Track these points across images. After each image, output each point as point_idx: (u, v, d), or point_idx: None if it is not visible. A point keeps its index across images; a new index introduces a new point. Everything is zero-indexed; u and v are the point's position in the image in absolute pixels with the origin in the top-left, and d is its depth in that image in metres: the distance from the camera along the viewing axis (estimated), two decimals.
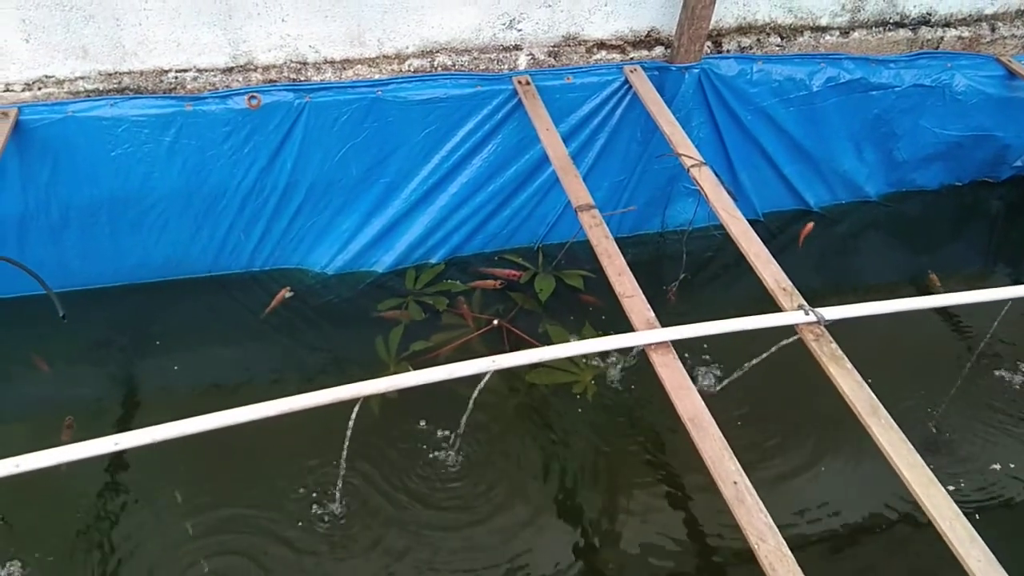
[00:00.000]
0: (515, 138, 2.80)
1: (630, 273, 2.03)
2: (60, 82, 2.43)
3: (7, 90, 2.40)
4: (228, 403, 1.71)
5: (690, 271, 2.95)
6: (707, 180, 2.32)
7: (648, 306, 1.94)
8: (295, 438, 2.35)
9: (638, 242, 3.26)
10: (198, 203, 2.68)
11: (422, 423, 2.46)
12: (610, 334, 1.95)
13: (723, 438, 1.64)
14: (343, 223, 2.89)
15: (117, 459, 2.33)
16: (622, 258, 2.07)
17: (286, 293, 2.87)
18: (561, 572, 2.12)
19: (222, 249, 2.84)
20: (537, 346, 2.68)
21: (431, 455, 2.38)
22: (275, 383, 2.67)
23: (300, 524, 2.19)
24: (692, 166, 2.36)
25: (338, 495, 2.21)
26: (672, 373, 1.75)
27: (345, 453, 1.96)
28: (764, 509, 1.51)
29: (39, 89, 2.42)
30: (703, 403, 1.70)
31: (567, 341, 2.70)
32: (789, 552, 1.45)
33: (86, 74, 2.43)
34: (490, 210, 2.96)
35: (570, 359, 2.65)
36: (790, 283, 2.04)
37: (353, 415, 1.85)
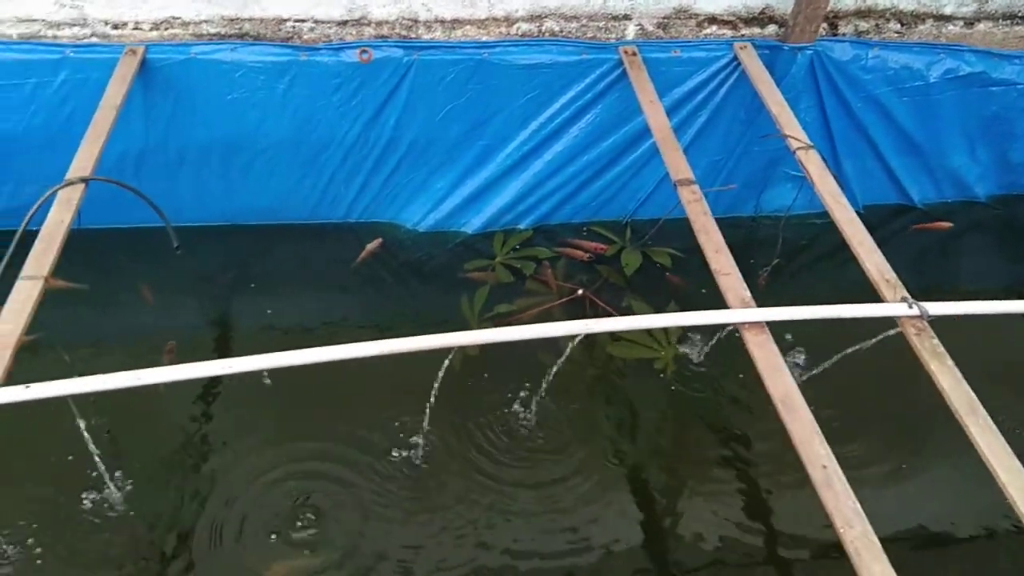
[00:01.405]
0: (615, 109, 2.79)
1: (727, 251, 2.01)
2: (185, 24, 2.54)
3: (136, 28, 2.53)
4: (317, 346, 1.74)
5: (783, 258, 2.89)
6: (814, 164, 2.26)
7: (744, 285, 1.92)
8: (377, 386, 2.42)
9: (730, 224, 3.17)
10: (305, 152, 2.77)
11: (500, 382, 2.50)
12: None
13: (813, 420, 1.62)
14: (438, 182, 2.94)
15: (211, 388, 2.45)
16: (720, 235, 2.06)
17: (377, 244, 2.95)
18: (622, 544, 2.13)
19: (322, 198, 2.93)
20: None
21: (507, 414, 2.42)
22: (361, 330, 2.76)
23: (379, 466, 2.27)
24: (799, 149, 2.31)
25: (421, 441, 2.27)
26: (766, 353, 1.73)
27: (432, 401, 2.02)
28: (852, 495, 1.50)
29: (165, 30, 2.54)
30: (794, 384, 1.69)
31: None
32: (876, 540, 1.43)
33: (210, 18, 2.53)
34: (582, 180, 2.97)
35: (652, 335, 2.65)
36: (894, 275, 1.99)
37: (445, 363, 1.91)
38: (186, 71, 2.53)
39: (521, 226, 3.05)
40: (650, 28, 2.73)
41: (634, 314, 2.74)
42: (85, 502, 2.12)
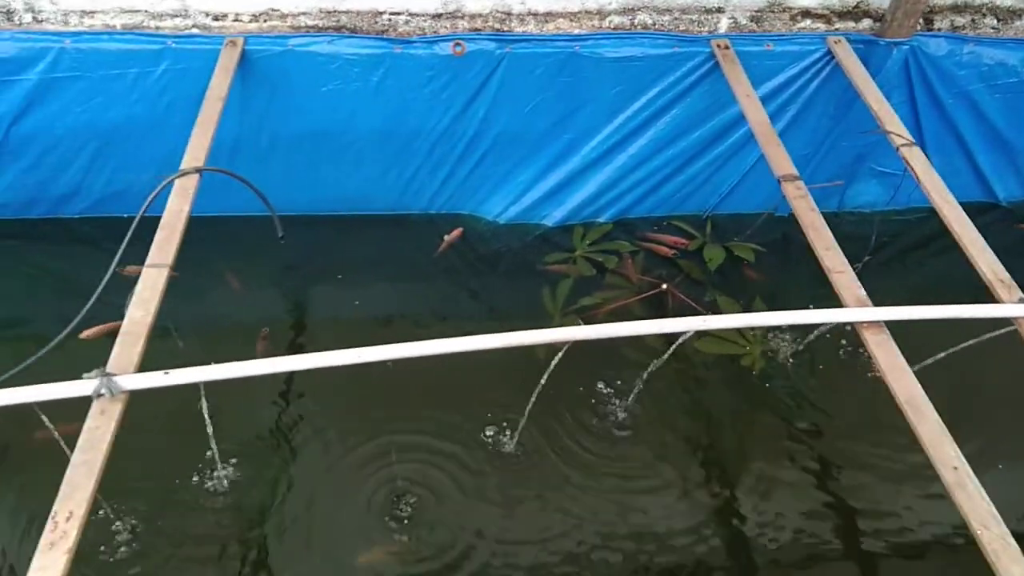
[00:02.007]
0: (703, 103, 2.78)
1: (838, 248, 2.00)
2: (284, 16, 2.57)
3: (236, 19, 2.56)
4: (402, 336, 1.76)
5: (872, 254, 2.86)
6: (918, 161, 2.24)
7: (859, 283, 1.91)
8: (472, 375, 2.45)
9: None
10: (393, 143, 2.79)
11: (586, 375, 2.52)
12: (781, 310, 1.93)
13: (940, 421, 1.61)
14: (521, 174, 2.95)
15: (307, 375, 2.49)
16: (829, 232, 2.04)
17: (457, 234, 2.97)
18: (709, 542, 2.15)
19: (406, 189, 2.96)
20: (705, 314, 2.70)
21: (596, 406, 2.44)
22: (444, 321, 2.79)
23: (472, 455, 2.30)
24: (902, 146, 2.28)
25: (516, 435, 2.30)
26: (887, 353, 1.72)
27: (534, 398, 2.05)
28: (986, 496, 1.49)
29: (264, 21, 2.57)
30: (919, 385, 1.68)
31: (737, 312, 2.71)
32: (1014, 542, 1.42)
33: (308, 10, 2.56)
34: (665, 174, 2.96)
35: (739, 331, 2.64)
36: (1007, 274, 1.96)
37: (556, 359, 1.93)
38: (283, 63, 2.56)
39: (601, 219, 3.05)
40: (743, 21, 2.71)
41: (719, 309, 2.75)
42: (195, 481, 2.18)
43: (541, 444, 2.34)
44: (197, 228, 2.90)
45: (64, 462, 1.96)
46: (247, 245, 2.90)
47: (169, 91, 2.58)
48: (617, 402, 2.45)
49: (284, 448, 2.31)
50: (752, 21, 2.72)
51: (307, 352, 1.70)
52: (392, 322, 2.77)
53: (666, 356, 2.02)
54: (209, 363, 1.68)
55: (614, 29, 2.68)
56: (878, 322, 1.79)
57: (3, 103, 2.55)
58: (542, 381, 2.00)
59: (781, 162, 2.24)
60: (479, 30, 2.63)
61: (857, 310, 1.80)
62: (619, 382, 2.50)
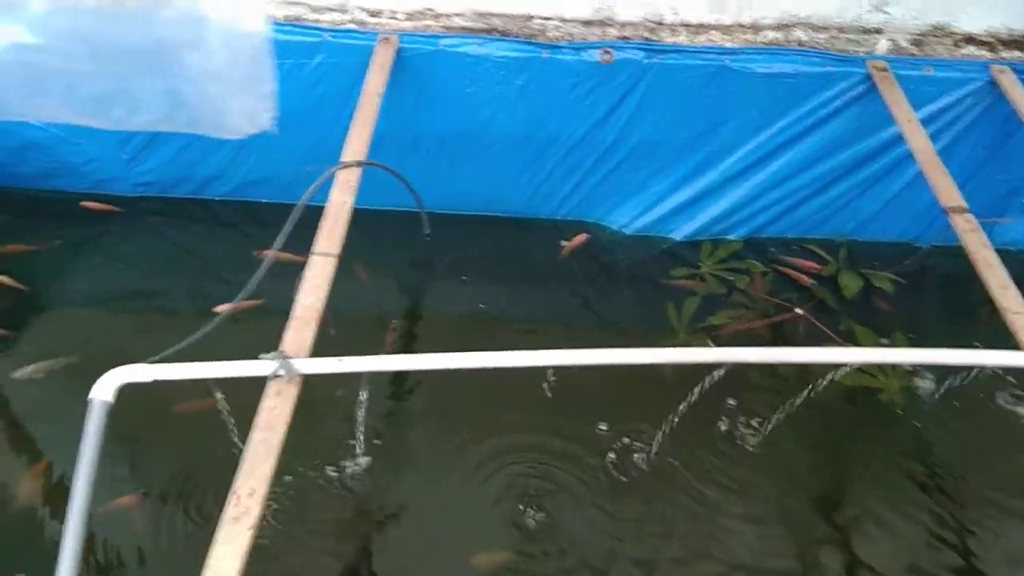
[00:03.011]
0: (852, 125, 2.70)
1: (1015, 287, 1.90)
2: (437, 16, 2.61)
3: (392, 17, 2.61)
4: (528, 343, 1.76)
5: None
6: None
7: None
8: (591, 389, 2.42)
9: (947, 253, 3.05)
10: (530, 147, 2.81)
11: (715, 396, 2.46)
12: (918, 347, 1.83)
13: None
14: (654, 186, 2.92)
15: (433, 374, 2.51)
16: (1004, 269, 1.95)
17: (583, 239, 2.96)
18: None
19: (536, 193, 2.97)
20: (840, 344, 2.63)
21: (725, 430, 2.39)
22: (568, 328, 2.79)
23: (598, 468, 2.28)
24: None
25: (645, 451, 2.28)
26: None
27: (675, 417, 2.02)
28: None
29: (419, 20, 2.62)
30: None
31: (875, 344, 2.62)
32: None
33: (462, 11, 2.60)
34: (804, 195, 2.89)
35: (879, 364, 2.55)
36: None
37: (707, 380, 1.89)
38: (433, 62, 2.60)
39: (731, 236, 3.00)
40: (903, 44, 2.62)
41: (856, 339, 2.66)
42: (328, 470, 2.22)
43: (668, 462, 2.31)
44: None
45: (202, 436, 2.04)
46: (377, 238, 2.95)
47: (321, 84, 2.65)
48: (746, 426, 2.40)
49: (408, 442, 2.34)
50: (913, 44, 2.63)
51: (440, 352, 1.70)
52: (516, 327, 2.78)
53: (823, 384, 1.96)
54: (338, 350, 1.70)
55: (768, 44, 2.62)
56: None
57: None
58: (690, 399, 1.97)
59: (949, 192, 2.15)
60: (628, 39, 2.62)
61: None
62: (746, 404, 2.44)
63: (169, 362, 1.64)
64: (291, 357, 1.64)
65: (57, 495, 2.17)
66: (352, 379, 1.73)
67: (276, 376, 1.62)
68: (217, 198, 3.06)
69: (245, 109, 1.51)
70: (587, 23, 2.61)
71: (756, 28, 2.60)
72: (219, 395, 1.70)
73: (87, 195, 3.01)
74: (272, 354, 1.63)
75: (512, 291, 2.90)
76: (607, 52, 2.58)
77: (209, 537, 1.30)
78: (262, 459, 1.50)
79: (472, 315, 2.78)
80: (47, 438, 2.31)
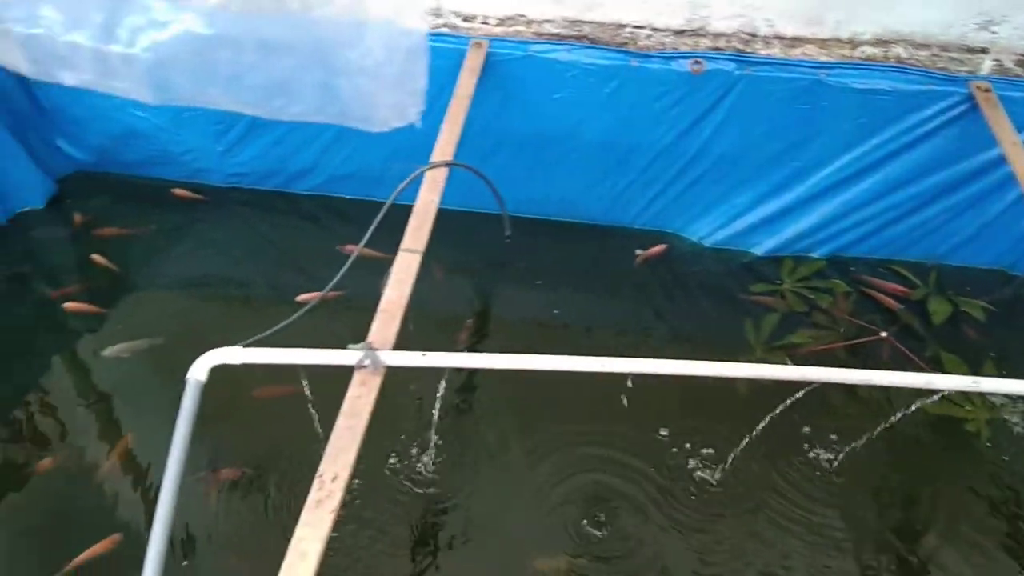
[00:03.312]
0: (949, 146, 2.60)
1: None
2: (529, 22, 2.64)
3: (484, 22, 2.65)
4: (595, 351, 1.73)
5: None
6: None
7: None
8: (661, 401, 2.41)
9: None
10: (612, 155, 2.80)
11: (794, 417, 2.41)
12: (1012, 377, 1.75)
13: None
14: (736, 198, 2.88)
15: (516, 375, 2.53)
16: None
17: (660, 250, 2.94)
18: None
19: (615, 201, 2.96)
20: (927, 371, 2.53)
21: (802, 451, 2.34)
22: (641, 338, 2.77)
23: (667, 480, 2.26)
24: None
25: (722, 467, 2.24)
26: None
27: (753, 436, 1.99)
28: None
29: (510, 26, 2.65)
30: None
31: (964, 372, 2.52)
32: None
33: (553, 17, 2.62)
34: (894, 216, 2.80)
35: (965, 393, 2.45)
36: None
37: (791, 399, 1.86)
38: (521, 67, 2.63)
39: (815, 254, 2.93)
40: (1008, 64, 2.53)
41: (943, 367, 2.56)
42: (396, 461, 2.26)
43: (740, 480, 2.27)
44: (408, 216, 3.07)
45: (279, 421, 2.09)
46: (455, 238, 2.98)
47: None
48: (823, 448, 2.34)
49: (477, 441, 2.36)
50: (1019, 65, 2.52)
51: (515, 353, 1.71)
52: (589, 334, 2.77)
53: (909, 411, 1.90)
54: (414, 345, 1.74)
55: (865, 60, 2.56)
56: None
57: None
58: (771, 416, 1.93)
59: None
60: (720, 50, 2.59)
61: None
62: (825, 426, 2.38)
63: (259, 347, 1.69)
64: (377, 349, 1.67)
65: (137, 467, 2.27)
66: (426, 374, 1.76)
67: (362, 366, 1.66)
68: (303, 192, 3.15)
69: (394, 104, 1.56)
70: (679, 33, 2.59)
71: (854, 43, 2.55)
72: (304, 382, 1.76)
73: (182, 184, 3.14)
74: (359, 345, 1.67)
75: (586, 298, 2.90)
76: (698, 62, 2.56)
77: (284, 514, 1.35)
78: (346, 446, 1.53)
79: (545, 320, 2.78)
80: (130, 414, 2.41)
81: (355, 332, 1.77)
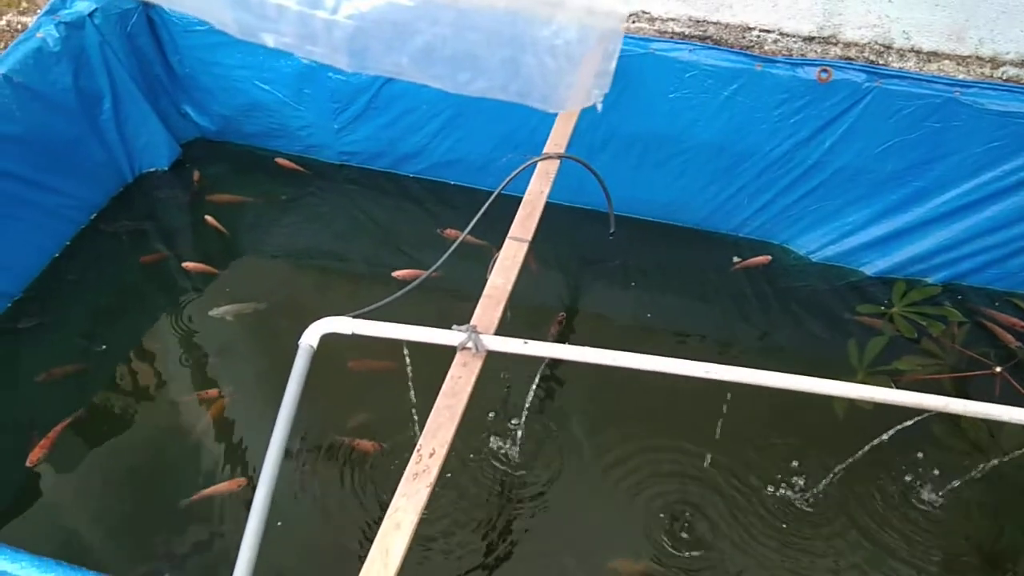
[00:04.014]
0: None
1: None
2: (652, 19, 2.60)
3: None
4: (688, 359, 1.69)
5: None
6: None
7: None
8: (759, 418, 2.35)
9: None
10: (723, 159, 2.74)
11: (896, 448, 2.31)
12: None
13: None
14: (850, 215, 2.78)
15: (569, 370, 2.51)
16: None
17: (762, 261, 2.86)
18: None
19: (720, 207, 2.90)
20: None
21: (897, 479, 2.24)
22: (736, 351, 2.70)
23: (756, 495, 2.21)
24: None
25: (814, 489, 2.18)
26: None
27: (851, 460, 1.92)
28: None
29: (632, 22, 2.62)
30: None
31: None
32: None
33: (677, 17, 2.58)
34: (1019, 247, 2.64)
35: None
36: None
37: (899, 426, 1.78)
38: (640, 64, 2.60)
39: (929, 279, 2.80)
40: None
41: None
42: (483, 446, 2.28)
43: (832, 504, 2.19)
44: (511, 206, 3.09)
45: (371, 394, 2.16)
46: (554, 231, 2.98)
47: None
48: (922, 481, 2.23)
49: (565, 435, 2.36)
50: None
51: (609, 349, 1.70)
52: (683, 341, 2.73)
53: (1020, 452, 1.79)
54: (506, 332, 1.74)
55: (1006, 80, 2.42)
56: None
57: None
58: (880, 440, 1.86)
59: None
60: (851, 59, 2.50)
61: None
62: (926, 458, 2.28)
63: (369, 319, 1.74)
64: (481, 332, 1.69)
65: (231, 426, 2.37)
66: (517, 361, 1.76)
67: (465, 348, 1.68)
68: (410, 174, 3.21)
69: (579, 85, 1.56)
70: (808, 39, 2.51)
71: (996, 62, 2.41)
72: (407, 358, 1.79)
73: (297, 158, 3.26)
74: (464, 327, 1.69)
75: (681, 304, 2.85)
76: (825, 71, 2.47)
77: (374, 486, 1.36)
78: (445, 423, 1.56)
79: (636, 322, 2.75)
80: (230, 374, 2.51)
81: (443, 315, 1.81)
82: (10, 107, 2.50)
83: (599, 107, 1.68)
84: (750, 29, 2.53)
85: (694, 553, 2.08)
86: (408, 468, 1.49)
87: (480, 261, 2.72)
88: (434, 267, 1.94)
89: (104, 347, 2.55)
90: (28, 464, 2.20)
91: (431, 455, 1.51)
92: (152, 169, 3.19)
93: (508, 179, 2.12)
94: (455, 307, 1.95)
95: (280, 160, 3.25)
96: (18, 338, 2.58)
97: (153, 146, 3.12)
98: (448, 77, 1.56)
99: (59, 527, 2.12)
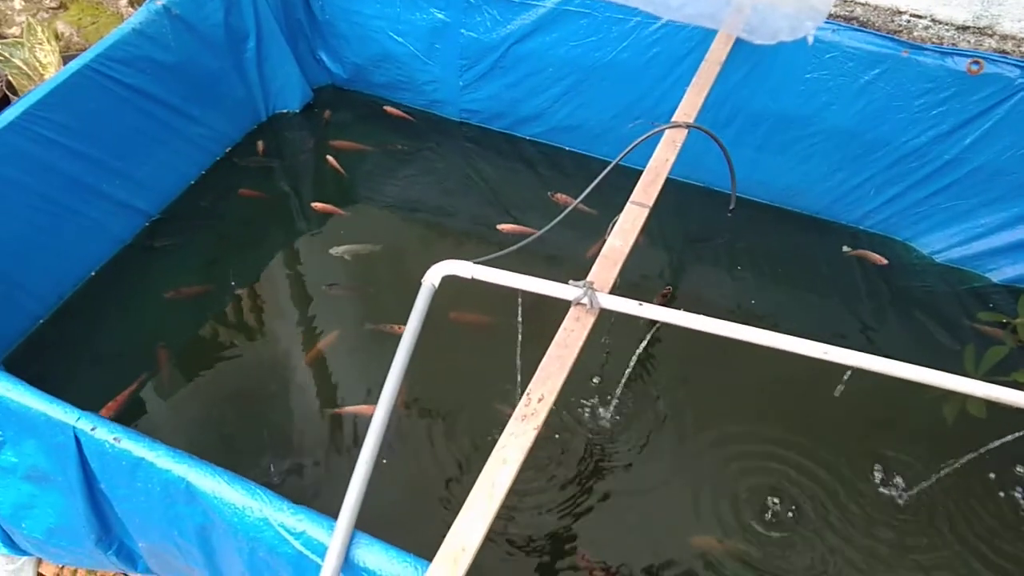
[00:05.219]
0: None
1: None
2: None
3: None
4: None
5: None
6: None
7: None
8: (861, 409, 2.30)
9: None
10: (853, 146, 2.65)
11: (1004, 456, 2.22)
12: None
13: None
14: (983, 216, 2.64)
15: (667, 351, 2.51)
16: None
17: (878, 260, 2.76)
18: None
19: (843, 197, 2.81)
20: None
21: (1001, 494, 2.15)
22: (829, 341, 2.61)
23: (850, 487, 2.17)
24: None
25: (912, 489, 2.12)
26: None
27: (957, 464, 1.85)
28: None
29: None
30: None
31: None
32: None
33: None
34: None
35: None
36: None
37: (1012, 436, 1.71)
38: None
39: None
40: None
41: None
42: (585, 410, 2.32)
43: (929, 506, 2.13)
44: (624, 177, 3.08)
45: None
46: (667, 206, 2.96)
47: (658, 45, 2.68)
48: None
49: (659, 407, 2.36)
50: None
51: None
52: (786, 331, 2.66)
53: None
54: None
55: None
56: None
57: (515, 24, 2.85)
58: (987, 449, 1.79)
59: None
60: (1006, 53, 2.36)
61: None
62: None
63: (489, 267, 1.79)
64: (597, 290, 1.71)
65: (335, 362, 2.49)
66: (620, 328, 1.75)
67: (580, 303, 1.71)
68: (527, 137, 3.24)
69: (793, 15, 1.54)
70: (962, 28, 2.39)
71: None
72: (519, 308, 1.83)
73: (420, 112, 3.34)
74: (581, 282, 1.72)
75: (789, 293, 2.78)
76: (977, 62, 2.34)
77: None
78: (555, 372, 1.60)
79: (739, 306, 2.71)
80: (340, 313, 2.63)
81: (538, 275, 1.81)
82: (167, 37, 2.67)
83: (810, 39, 1.61)
84: (900, 13, 2.42)
85: (773, 541, 2.07)
86: (517, 410, 1.54)
87: (583, 230, 2.75)
88: (548, 225, 1.97)
89: (230, 272, 2.72)
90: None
91: (540, 400, 1.55)
92: (284, 110, 3.34)
93: (636, 143, 2.12)
94: (550, 271, 1.97)
95: (388, 108, 3.34)
96: (152, 255, 2.78)
97: (288, 88, 3.26)
98: (661, 2, 1.54)
99: (179, 430, 2.30)
